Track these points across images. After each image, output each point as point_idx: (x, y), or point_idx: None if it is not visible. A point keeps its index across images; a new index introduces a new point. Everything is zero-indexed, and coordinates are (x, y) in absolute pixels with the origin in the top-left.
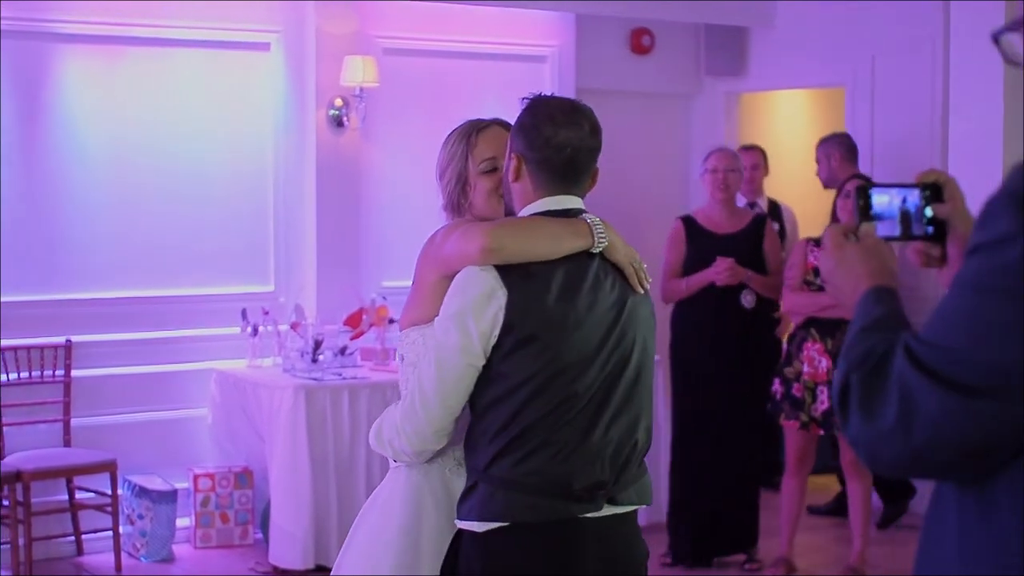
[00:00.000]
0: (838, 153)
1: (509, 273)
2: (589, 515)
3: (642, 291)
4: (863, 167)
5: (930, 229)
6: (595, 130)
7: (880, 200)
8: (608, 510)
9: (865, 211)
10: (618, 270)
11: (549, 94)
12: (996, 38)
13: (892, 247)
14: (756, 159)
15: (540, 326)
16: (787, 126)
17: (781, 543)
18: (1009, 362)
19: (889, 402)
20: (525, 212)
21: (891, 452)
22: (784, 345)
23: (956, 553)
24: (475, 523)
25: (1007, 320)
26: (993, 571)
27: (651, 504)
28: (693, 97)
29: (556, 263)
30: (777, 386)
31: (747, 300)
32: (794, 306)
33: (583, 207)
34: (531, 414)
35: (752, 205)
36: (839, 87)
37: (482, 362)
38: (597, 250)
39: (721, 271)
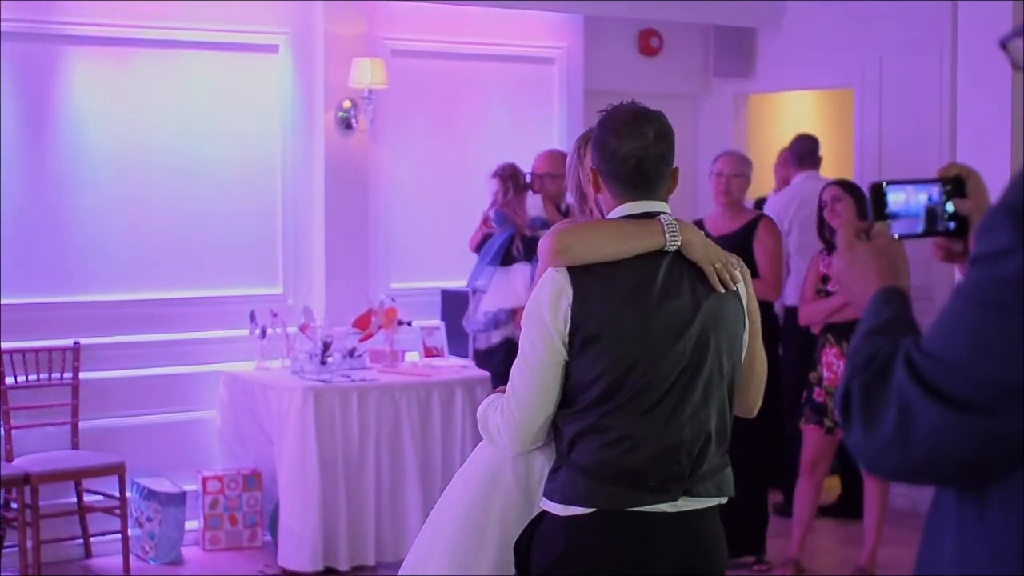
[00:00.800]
0: (783, 156)
1: (579, 274)
2: (668, 508)
3: (723, 290)
4: (870, 167)
5: (951, 225)
6: (660, 135)
7: (896, 198)
8: (687, 504)
9: (879, 210)
10: (699, 269)
11: (620, 103)
12: (1003, 44)
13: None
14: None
15: (604, 325)
16: (795, 127)
17: (791, 544)
18: (1007, 377)
19: (888, 412)
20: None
21: (889, 462)
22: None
23: (953, 555)
24: (558, 505)
25: (1005, 335)
26: (988, 572)
27: (733, 495)
28: (701, 98)
29: (626, 263)
30: (805, 393)
31: None
32: (810, 317)
33: (664, 209)
34: (606, 408)
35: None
36: (847, 88)
37: (564, 356)
38: (671, 249)
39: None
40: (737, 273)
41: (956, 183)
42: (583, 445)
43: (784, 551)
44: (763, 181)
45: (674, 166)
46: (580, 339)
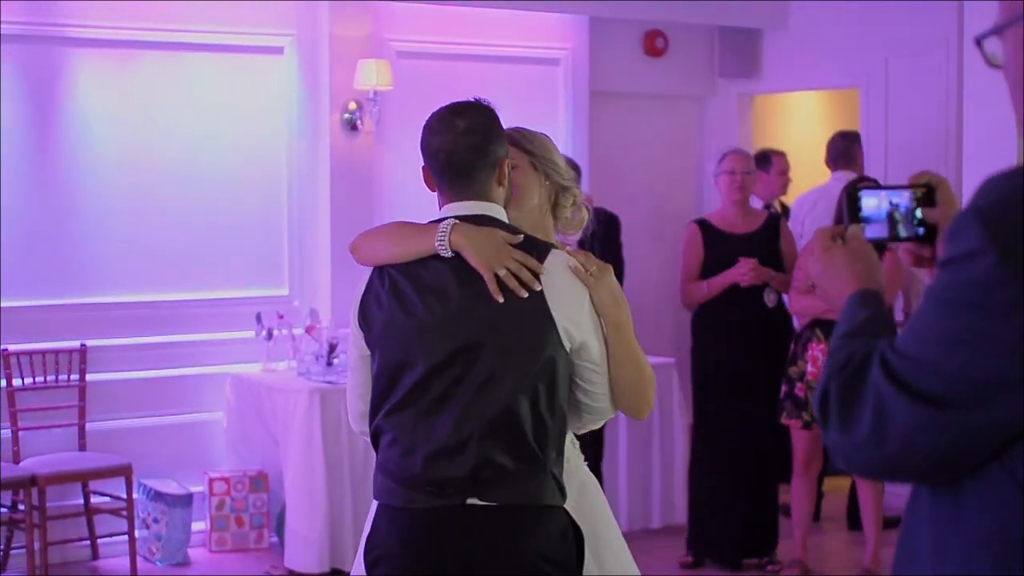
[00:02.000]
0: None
1: (375, 275)
2: (449, 505)
3: (500, 298)
4: (876, 167)
5: (920, 230)
6: (473, 128)
7: (869, 203)
8: (475, 501)
9: (854, 213)
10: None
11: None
12: (979, 41)
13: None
14: (783, 164)
15: (381, 327)
16: (801, 128)
17: (795, 545)
18: (976, 374)
19: (864, 412)
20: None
21: (865, 460)
22: (791, 346)
23: (929, 553)
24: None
25: (972, 334)
26: (961, 570)
27: (545, 503)
28: (707, 99)
29: (417, 267)
30: (783, 386)
31: (770, 299)
32: (802, 308)
33: (487, 210)
34: (384, 409)
35: (767, 207)
36: (853, 88)
37: (366, 352)
38: (443, 255)
39: (745, 272)
40: (527, 276)
41: (927, 191)
42: (379, 443)
43: (789, 552)
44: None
45: (500, 156)
46: (369, 339)
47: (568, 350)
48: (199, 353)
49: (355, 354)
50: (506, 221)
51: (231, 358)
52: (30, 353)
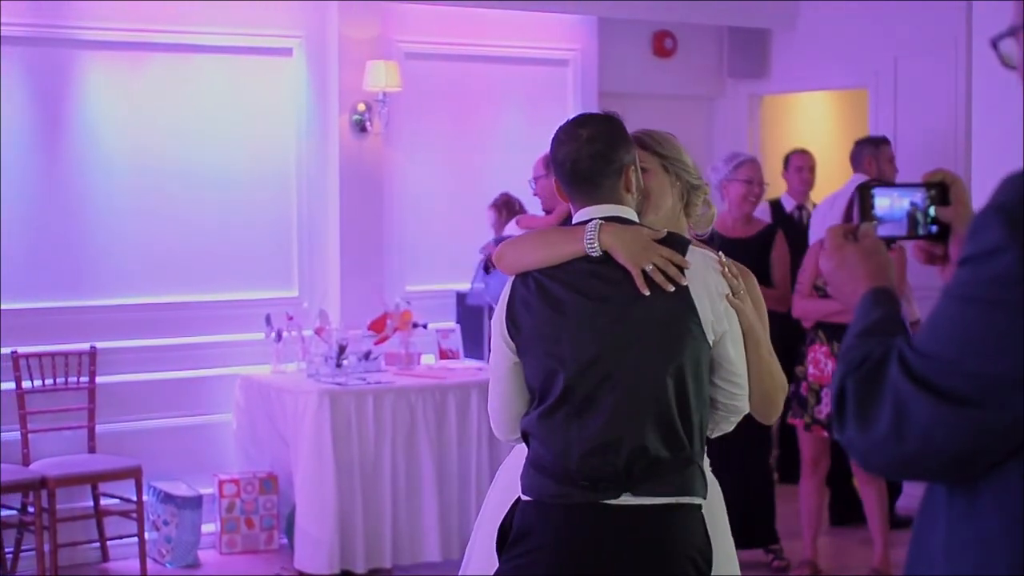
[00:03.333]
0: None
1: (520, 280)
2: (609, 502)
3: (647, 291)
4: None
5: (934, 228)
6: (595, 136)
7: (882, 202)
8: (633, 500)
9: (867, 211)
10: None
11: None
12: (995, 43)
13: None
14: (811, 161)
15: (530, 330)
16: (810, 128)
17: (804, 545)
18: (997, 372)
19: (883, 410)
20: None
21: (883, 458)
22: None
23: (943, 549)
24: (522, 492)
25: (995, 331)
26: (977, 568)
27: (698, 496)
28: (716, 100)
29: (561, 270)
30: (792, 388)
31: None
32: (804, 312)
33: (618, 212)
34: (540, 409)
35: (800, 208)
36: (862, 89)
37: (513, 358)
38: (592, 254)
39: None
40: (673, 271)
41: (940, 189)
42: (531, 441)
43: (799, 552)
44: (776, 183)
45: (626, 163)
46: (519, 343)
47: (711, 344)
48: (209, 355)
49: (503, 364)
50: (641, 224)
51: (241, 360)
52: (39, 355)
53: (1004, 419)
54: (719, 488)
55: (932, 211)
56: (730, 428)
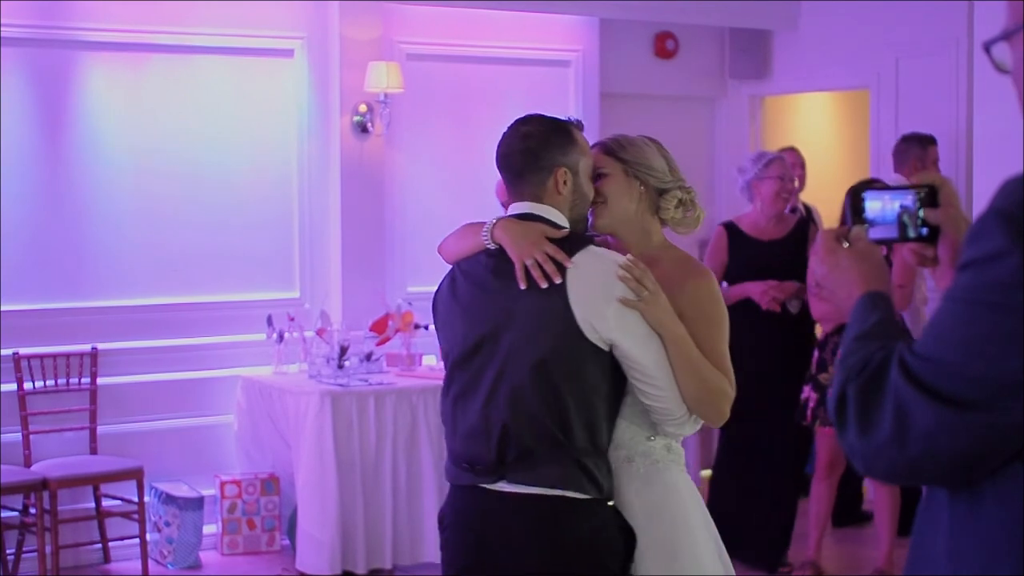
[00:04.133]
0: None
1: (449, 271)
2: (492, 487)
3: (523, 285)
4: (887, 168)
5: (924, 231)
6: (528, 134)
7: (873, 205)
8: (511, 487)
9: (858, 214)
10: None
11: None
12: (987, 47)
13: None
14: (800, 159)
15: (441, 318)
16: (811, 129)
17: (809, 546)
18: (999, 375)
19: (884, 415)
20: None
21: (886, 463)
22: (815, 352)
23: (946, 552)
24: None
25: (997, 334)
26: (980, 570)
27: (583, 492)
28: (717, 100)
29: (467, 261)
30: (809, 392)
31: (793, 306)
32: (823, 314)
33: (537, 210)
34: (446, 394)
35: (794, 210)
36: (863, 89)
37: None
38: (490, 247)
39: (763, 293)
40: (550, 268)
41: (929, 191)
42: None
43: (802, 553)
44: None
45: (558, 164)
46: (436, 329)
47: (601, 344)
48: (210, 356)
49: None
50: (559, 223)
51: (242, 361)
52: (41, 356)
53: (1007, 422)
54: (694, 494)
55: (922, 213)
56: (683, 431)
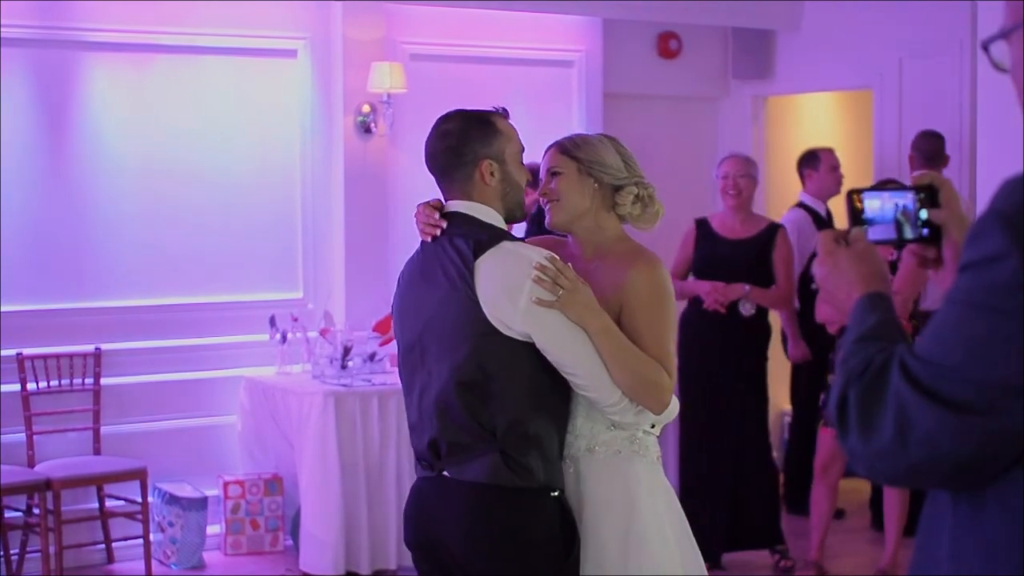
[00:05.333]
0: (910, 156)
1: None
2: (429, 475)
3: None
4: (890, 168)
5: (925, 232)
6: (449, 132)
7: (872, 204)
8: (445, 473)
9: (856, 215)
10: (451, 259)
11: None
12: (985, 46)
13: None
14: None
15: (393, 301)
16: (814, 129)
17: (811, 547)
18: (1000, 378)
19: (885, 419)
20: None
21: (888, 466)
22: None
23: (948, 553)
24: None
25: (997, 337)
26: (981, 571)
27: (507, 483)
28: (720, 101)
29: (416, 255)
30: (824, 396)
31: (745, 309)
32: (827, 316)
33: (459, 208)
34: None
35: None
36: (866, 90)
37: None
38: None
39: (707, 293)
40: (429, 227)
41: (930, 192)
42: None
43: (806, 552)
44: (781, 183)
45: (481, 156)
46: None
47: (518, 339)
48: (213, 356)
49: None
50: (485, 220)
51: (245, 361)
52: (44, 357)
53: (1009, 425)
54: (659, 486)
55: (923, 214)
56: (626, 418)
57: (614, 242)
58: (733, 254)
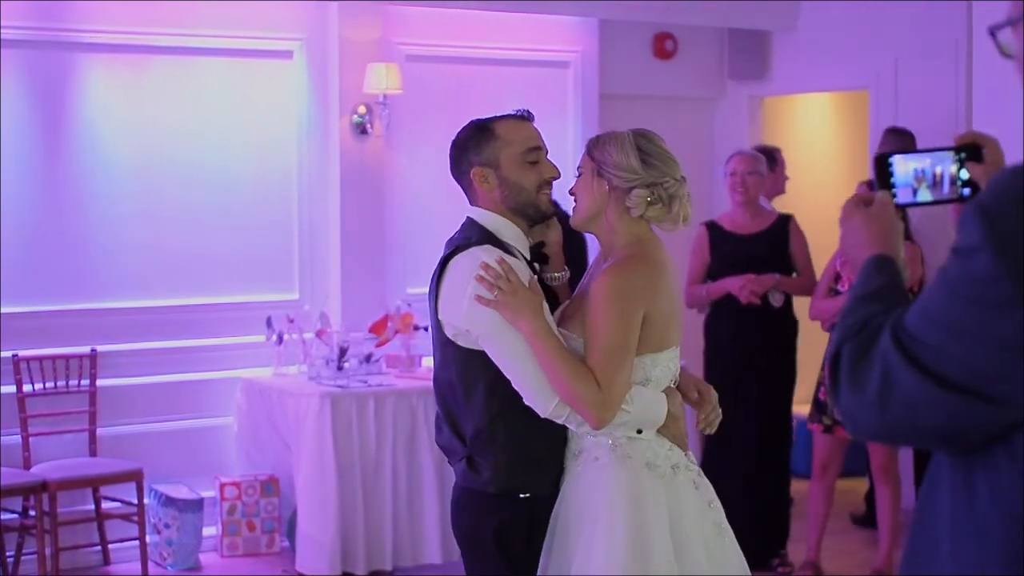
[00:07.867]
0: None
1: None
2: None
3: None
4: None
5: (966, 191)
6: (451, 146)
7: (905, 167)
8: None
9: (884, 180)
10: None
11: None
12: (992, 32)
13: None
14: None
15: None
16: (810, 129)
17: (808, 547)
18: (978, 363)
19: (872, 375)
20: None
21: (869, 421)
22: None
23: (948, 533)
24: None
25: (975, 326)
26: (975, 550)
27: (464, 484)
28: (716, 101)
29: None
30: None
31: (775, 299)
32: (819, 313)
33: (469, 215)
34: None
35: None
36: (862, 90)
37: None
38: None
39: (741, 287)
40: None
41: (972, 150)
42: None
43: (802, 553)
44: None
45: (473, 164)
46: None
47: (468, 346)
48: (210, 357)
49: None
50: (486, 225)
51: (242, 362)
52: (40, 358)
53: (983, 408)
54: (637, 495)
55: (964, 173)
56: (572, 425)
57: (622, 246)
58: (755, 248)
